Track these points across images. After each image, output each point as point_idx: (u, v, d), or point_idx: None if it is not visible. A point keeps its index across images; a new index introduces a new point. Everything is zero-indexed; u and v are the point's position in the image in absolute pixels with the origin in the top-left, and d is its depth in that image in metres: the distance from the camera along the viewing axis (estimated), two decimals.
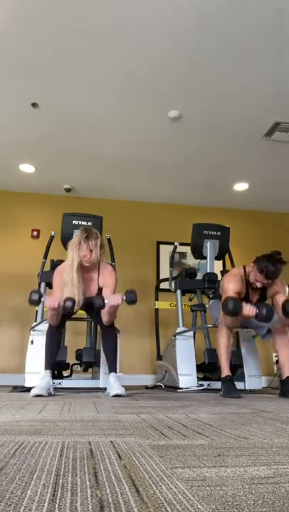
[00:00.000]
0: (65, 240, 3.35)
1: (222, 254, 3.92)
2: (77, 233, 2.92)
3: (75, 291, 2.72)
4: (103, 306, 2.68)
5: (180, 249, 4.33)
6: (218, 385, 3.14)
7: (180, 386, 3.26)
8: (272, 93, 3.36)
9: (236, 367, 3.41)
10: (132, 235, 5.27)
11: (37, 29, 2.74)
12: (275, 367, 4.69)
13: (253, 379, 3.40)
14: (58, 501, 0.55)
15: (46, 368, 2.76)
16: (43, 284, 3.60)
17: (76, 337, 4.26)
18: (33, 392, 2.55)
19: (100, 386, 3.17)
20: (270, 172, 4.69)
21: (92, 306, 2.92)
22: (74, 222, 3.57)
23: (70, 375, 3.67)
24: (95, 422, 1.35)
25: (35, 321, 3.52)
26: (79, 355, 3.53)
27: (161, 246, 5.37)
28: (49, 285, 3.47)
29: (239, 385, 3.13)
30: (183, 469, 0.74)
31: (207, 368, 3.65)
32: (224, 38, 2.80)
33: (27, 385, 3.09)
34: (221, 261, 4.22)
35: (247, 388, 3.35)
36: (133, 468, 0.74)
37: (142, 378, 4.61)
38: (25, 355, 3.25)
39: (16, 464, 0.76)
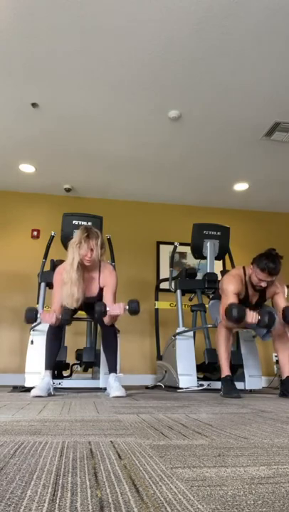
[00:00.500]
0: (65, 240, 3.35)
1: (222, 254, 3.92)
2: (77, 232, 2.92)
3: (75, 289, 2.72)
4: (104, 314, 2.67)
5: (180, 249, 4.33)
6: (218, 385, 3.14)
7: (180, 386, 3.26)
8: (273, 93, 3.36)
9: (236, 367, 3.41)
10: (132, 235, 5.27)
11: (37, 29, 2.74)
12: (275, 367, 4.69)
13: (253, 379, 3.40)
14: (58, 501, 0.55)
15: (46, 368, 2.76)
16: (43, 284, 3.60)
17: (76, 337, 4.27)
18: (33, 392, 2.55)
19: (100, 386, 3.17)
20: (270, 172, 4.69)
21: (93, 306, 2.92)
22: (74, 222, 3.57)
23: (70, 375, 3.67)
24: (95, 422, 1.35)
25: (35, 321, 3.52)
26: (79, 355, 3.53)
27: (161, 246, 5.38)
28: (49, 285, 3.47)
29: (239, 385, 3.13)
30: (183, 469, 0.74)
31: (207, 368, 3.65)
32: (224, 37, 2.80)
33: (27, 385, 3.09)
34: (221, 261, 4.22)
35: (247, 388, 3.35)
36: (133, 468, 0.74)
37: (142, 378, 4.61)
38: (25, 355, 3.25)
39: (16, 464, 0.76)
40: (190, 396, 2.75)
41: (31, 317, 2.67)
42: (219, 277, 3.68)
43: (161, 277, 5.07)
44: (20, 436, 1.06)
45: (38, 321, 3.45)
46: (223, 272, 3.81)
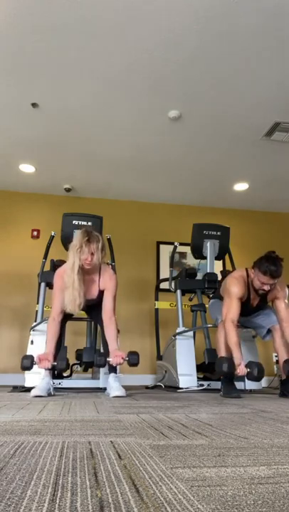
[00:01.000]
0: (65, 240, 3.35)
1: (222, 254, 3.92)
2: (77, 234, 2.90)
3: (76, 294, 2.71)
4: (104, 366, 2.75)
5: (180, 249, 4.33)
6: (218, 385, 3.14)
7: (180, 386, 3.26)
8: (273, 93, 3.37)
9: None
10: (132, 235, 5.27)
11: (37, 29, 2.74)
12: (275, 367, 4.69)
13: None
14: (58, 501, 0.55)
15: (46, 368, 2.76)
16: (43, 284, 3.60)
17: (76, 337, 4.27)
18: (33, 392, 2.55)
19: (100, 386, 3.17)
20: (270, 172, 4.69)
21: (92, 307, 2.93)
22: (74, 222, 3.56)
23: (70, 375, 3.67)
24: (95, 422, 1.35)
25: (35, 321, 3.52)
26: (79, 355, 3.52)
27: (161, 246, 5.38)
28: (49, 285, 3.47)
29: (239, 385, 3.13)
30: (183, 469, 0.74)
31: (207, 368, 3.64)
32: (225, 37, 2.80)
33: (27, 385, 3.09)
34: (221, 261, 4.22)
35: (247, 388, 3.35)
36: (133, 468, 0.74)
37: (142, 378, 4.61)
38: None
39: (16, 464, 0.76)
40: (190, 396, 2.75)
41: (27, 366, 2.69)
42: (219, 277, 3.68)
43: (161, 277, 5.07)
44: (20, 436, 1.06)
45: (39, 320, 3.46)
46: (223, 272, 3.81)
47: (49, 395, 2.62)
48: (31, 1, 2.53)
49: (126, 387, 2.79)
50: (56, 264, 3.20)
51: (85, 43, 2.87)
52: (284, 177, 4.79)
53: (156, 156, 4.37)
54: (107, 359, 2.69)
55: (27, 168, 4.64)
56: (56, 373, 3.36)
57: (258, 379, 2.66)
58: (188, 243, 3.91)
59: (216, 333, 3.06)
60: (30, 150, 4.28)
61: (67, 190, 5.15)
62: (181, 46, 2.88)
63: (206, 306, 3.69)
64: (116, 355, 2.64)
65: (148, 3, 2.53)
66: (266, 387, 4.29)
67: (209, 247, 3.81)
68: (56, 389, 2.88)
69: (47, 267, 3.69)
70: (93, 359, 3.36)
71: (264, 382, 4.11)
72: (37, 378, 2.90)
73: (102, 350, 3.05)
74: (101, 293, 2.88)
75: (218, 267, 3.94)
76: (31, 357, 2.73)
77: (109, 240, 3.86)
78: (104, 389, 2.96)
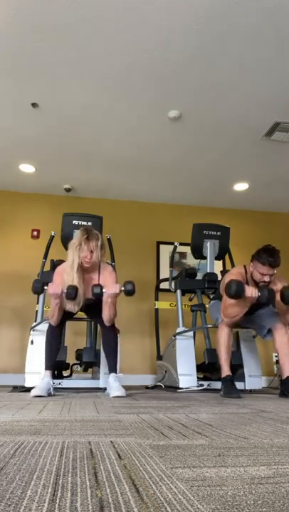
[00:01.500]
0: (65, 240, 3.35)
1: (222, 254, 3.92)
2: (77, 233, 2.92)
3: None
4: (101, 294, 2.73)
5: (180, 249, 4.33)
6: (218, 385, 3.14)
7: (180, 386, 3.26)
8: (272, 93, 3.36)
9: (236, 367, 3.41)
10: (132, 235, 5.27)
11: (37, 29, 2.74)
12: (275, 367, 4.69)
13: (253, 379, 3.40)
14: (58, 501, 0.55)
15: (46, 368, 2.77)
16: None
17: (76, 337, 4.27)
18: (33, 392, 2.55)
19: (100, 386, 3.17)
20: (270, 172, 4.69)
21: (92, 307, 2.92)
22: (74, 222, 3.57)
23: (70, 375, 3.67)
24: (95, 422, 1.35)
25: (35, 321, 3.52)
26: (79, 355, 3.52)
27: (161, 246, 5.37)
28: None
29: (239, 385, 3.13)
30: (183, 469, 0.74)
31: (207, 368, 3.64)
32: (224, 37, 2.80)
33: (27, 385, 3.09)
34: (221, 261, 4.22)
35: (247, 388, 3.35)
36: (133, 468, 0.74)
37: (142, 378, 4.61)
38: (25, 355, 3.25)
39: (16, 464, 0.76)
40: (190, 396, 2.75)
41: (38, 288, 2.73)
42: (219, 277, 3.68)
43: (161, 277, 5.07)
44: (20, 436, 1.06)
45: (39, 320, 3.46)
46: (223, 272, 3.81)
47: (49, 395, 2.62)
48: (31, 1, 2.53)
49: (126, 387, 2.79)
50: (56, 264, 3.20)
51: (85, 43, 2.87)
52: (284, 177, 4.79)
53: (156, 156, 4.37)
54: (103, 290, 2.73)
55: (27, 168, 4.64)
56: (56, 373, 3.37)
57: (268, 300, 2.70)
58: (188, 243, 3.91)
59: (216, 333, 3.06)
60: (30, 150, 4.28)
61: (67, 190, 5.15)
62: (181, 46, 2.88)
63: (206, 306, 3.70)
64: (112, 286, 2.72)
65: (148, 3, 2.53)
66: (266, 387, 4.29)
67: (209, 247, 3.81)
68: (56, 389, 2.88)
69: (47, 267, 3.69)
70: (93, 359, 3.37)
71: (264, 382, 4.11)
72: (37, 378, 2.90)
73: (102, 350, 3.05)
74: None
75: (218, 267, 3.94)
76: (42, 281, 2.76)
77: (109, 240, 3.86)
78: (104, 389, 2.96)
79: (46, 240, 3.92)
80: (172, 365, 3.53)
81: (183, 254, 5.29)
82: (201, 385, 3.30)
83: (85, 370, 3.70)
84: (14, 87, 3.32)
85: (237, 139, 4.06)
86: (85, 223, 3.53)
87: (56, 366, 3.22)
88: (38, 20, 2.66)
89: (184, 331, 3.58)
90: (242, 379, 3.36)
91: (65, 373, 3.64)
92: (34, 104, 3.51)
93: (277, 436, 1.12)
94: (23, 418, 1.45)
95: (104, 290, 2.72)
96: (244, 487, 0.63)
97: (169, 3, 2.53)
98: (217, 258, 3.89)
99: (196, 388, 3.25)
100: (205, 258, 3.83)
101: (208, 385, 3.35)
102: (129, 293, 2.75)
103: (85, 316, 3.33)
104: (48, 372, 2.75)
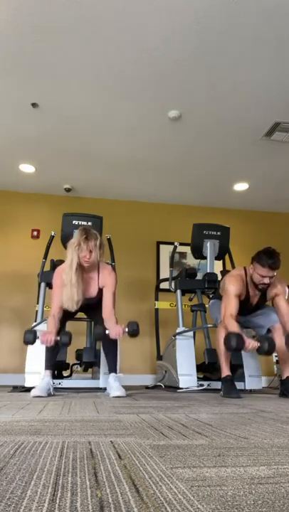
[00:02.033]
0: (65, 240, 3.35)
1: (222, 254, 3.92)
2: (76, 233, 2.92)
3: (74, 291, 2.72)
4: (104, 336, 2.69)
5: (180, 249, 4.33)
6: (218, 385, 3.14)
7: (180, 386, 3.26)
8: (272, 93, 3.36)
9: (236, 367, 3.41)
10: (132, 235, 5.27)
11: (37, 29, 2.74)
12: (275, 367, 4.69)
13: (253, 379, 3.40)
14: (58, 501, 0.55)
15: (46, 368, 2.77)
16: (43, 284, 3.61)
17: (76, 337, 4.26)
18: (32, 392, 2.55)
19: (100, 386, 3.17)
20: (270, 172, 4.69)
21: (92, 307, 2.92)
22: (74, 222, 3.57)
23: (70, 375, 3.67)
24: (95, 422, 1.35)
25: (35, 321, 3.52)
26: (79, 355, 3.52)
27: (161, 246, 5.37)
28: (49, 285, 3.47)
29: (239, 385, 3.13)
30: (183, 469, 0.74)
31: (207, 368, 3.64)
32: (224, 37, 2.80)
33: (27, 385, 3.09)
34: (221, 261, 4.22)
35: (247, 388, 3.35)
36: (133, 468, 0.74)
37: (142, 378, 4.61)
38: (25, 355, 3.25)
39: (16, 464, 0.76)
40: (190, 396, 2.75)
41: (30, 340, 2.68)
42: (219, 277, 3.68)
43: (161, 277, 5.07)
44: (20, 436, 1.06)
45: (39, 320, 3.46)
46: (223, 272, 3.81)
47: (49, 395, 2.62)
48: (31, 1, 2.53)
49: (126, 387, 2.79)
50: (56, 264, 3.20)
51: (85, 43, 2.87)
52: (284, 177, 4.79)
53: (156, 156, 4.37)
54: (106, 331, 2.65)
55: (27, 168, 4.64)
56: (56, 373, 3.37)
57: (268, 352, 2.63)
58: (188, 243, 3.91)
59: (216, 333, 3.06)
60: (30, 150, 4.28)
61: (67, 190, 5.15)
62: (181, 46, 2.88)
63: (206, 306, 3.69)
64: (115, 327, 2.62)
65: (148, 3, 2.53)
66: (266, 387, 4.29)
67: (209, 247, 3.81)
68: (56, 389, 2.88)
69: (47, 267, 3.69)
70: (93, 359, 3.37)
71: (264, 382, 4.11)
72: (37, 378, 2.90)
73: (101, 350, 3.05)
74: (100, 291, 2.89)
75: (218, 267, 3.94)
76: (34, 331, 2.72)
77: (109, 240, 3.86)
78: (104, 389, 2.96)
79: (46, 240, 3.92)
80: (172, 365, 3.53)
81: (183, 254, 5.29)
82: (201, 385, 3.30)
83: (85, 370, 3.70)
84: (14, 87, 3.32)
85: (237, 139, 4.06)
86: (85, 223, 3.53)
87: (56, 366, 3.22)
88: (38, 20, 2.66)
89: (184, 331, 3.58)
90: (242, 379, 3.36)
91: (65, 373, 3.64)
92: (34, 104, 3.51)
93: (277, 436, 1.12)
94: (23, 418, 1.45)
95: (107, 332, 2.65)
96: (244, 487, 0.63)
97: (169, 3, 2.53)
98: (217, 258, 3.89)
99: (196, 388, 3.25)
100: (205, 258, 3.83)
101: (208, 385, 3.35)
102: (134, 334, 2.64)
103: (85, 316, 3.33)
104: (48, 372, 2.75)
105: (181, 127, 3.86)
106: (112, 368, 2.79)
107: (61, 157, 4.42)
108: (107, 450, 0.90)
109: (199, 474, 0.70)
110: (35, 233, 5.12)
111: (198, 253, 3.85)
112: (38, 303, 3.64)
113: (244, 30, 2.74)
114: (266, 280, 2.83)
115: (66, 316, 2.88)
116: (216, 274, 3.73)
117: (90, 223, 3.55)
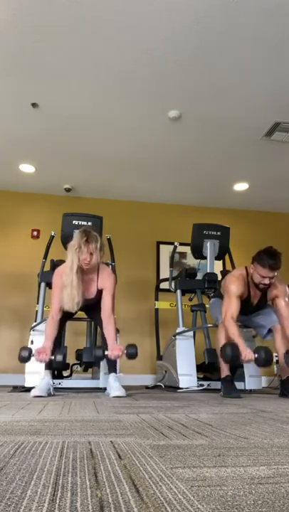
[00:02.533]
0: (65, 240, 3.35)
1: (222, 254, 3.92)
2: (76, 235, 2.90)
3: (75, 293, 2.72)
4: (103, 359, 2.73)
5: (180, 249, 4.33)
6: (218, 385, 3.14)
7: (180, 386, 3.26)
8: (272, 93, 3.36)
9: (236, 367, 3.40)
10: (132, 235, 5.27)
11: (37, 29, 2.74)
12: (275, 367, 4.69)
13: (253, 379, 3.40)
14: (58, 501, 0.55)
15: (46, 368, 2.77)
16: (42, 284, 3.61)
17: (76, 337, 4.27)
18: (32, 392, 2.55)
19: (100, 386, 3.17)
20: (270, 172, 4.69)
21: (92, 307, 2.93)
22: (74, 222, 3.56)
23: (70, 375, 3.67)
24: (95, 422, 1.35)
25: (35, 321, 3.52)
26: (79, 355, 3.52)
27: (161, 246, 5.37)
28: (49, 285, 3.47)
29: (239, 385, 3.13)
30: (183, 469, 0.74)
31: (207, 368, 3.64)
32: (224, 37, 2.80)
33: (27, 385, 3.09)
34: (221, 261, 4.22)
35: (247, 388, 3.35)
36: (133, 468, 0.74)
37: (142, 378, 4.61)
38: None
39: (16, 464, 0.76)
40: (190, 396, 2.75)
41: (25, 357, 2.67)
42: (219, 277, 3.68)
43: (161, 277, 5.07)
44: (20, 436, 1.06)
45: (39, 320, 3.46)
46: (223, 272, 3.81)
47: (49, 395, 2.62)
48: (31, 1, 2.53)
49: (126, 387, 2.79)
50: (56, 264, 3.20)
51: (85, 43, 2.87)
52: (284, 177, 4.79)
53: (156, 156, 4.37)
54: (106, 352, 2.68)
55: (27, 168, 4.64)
56: (56, 373, 3.37)
57: (266, 363, 2.62)
58: (188, 243, 3.91)
59: (216, 333, 3.06)
60: (30, 150, 4.28)
61: (67, 190, 5.15)
62: (181, 46, 2.88)
63: (206, 306, 3.69)
64: (114, 348, 2.64)
65: (148, 3, 2.53)
66: (266, 387, 4.29)
67: (209, 247, 3.81)
68: (56, 389, 2.88)
69: (47, 267, 3.69)
70: (93, 359, 3.37)
71: (264, 382, 4.11)
72: (37, 378, 2.90)
73: None
74: (99, 292, 2.88)
75: (218, 267, 3.94)
76: (29, 349, 2.72)
77: (109, 240, 3.86)
78: (104, 389, 2.96)
79: (46, 240, 3.92)
80: (172, 365, 3.53)
81: (183, 254, 5.29)
82: (201, 385, 3.30)
83: (85, 370, 3.70)
84: (14, 87, 3.32)
85: (237, 139, 4.06)
86: (85, 223, 3.53)
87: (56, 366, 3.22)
88: (38, 20, 2.66)
89: (184, 331, 3.58)
90: (242, 379, 3.36)
91: (65, 373, 3.64)
92: (34, 104, 3.51)
93: (277, 436, 1.12)
94: (23, 418, 1.45)
95: (106, 353, 2.68)
96: (244, 487, 0.63)
97: (169, 3, 2.53)
98: (217, 258, 3.89)
99: (196, 388, 3.25)
100: (205, 258, 3.83)
101: (208, 385, 3.35)
102: (132, 357, 2.67)
103: (85, 316, 3.33)
104: (48, 372, 2.75)
105: (181, 127, 3.86)
106: (112, 368, 2.79)
107: (61, 157, 4.42)
108: (107, 450, 0.90)
109: (199, 474, 0.70)
110: (35, 233, 5.12)
111: (198, 253, 3.85)
112: (38, 303, 3.64)
113: (244, 30, 2.74)
114: (266, 281, 2.82)
115: (66, 316, 2.88)
116: (216, 274, 3.73)
117: (90, 223, 3.55)
